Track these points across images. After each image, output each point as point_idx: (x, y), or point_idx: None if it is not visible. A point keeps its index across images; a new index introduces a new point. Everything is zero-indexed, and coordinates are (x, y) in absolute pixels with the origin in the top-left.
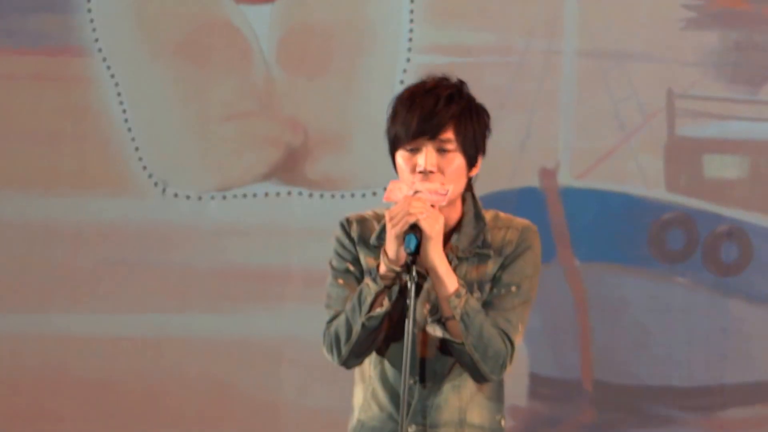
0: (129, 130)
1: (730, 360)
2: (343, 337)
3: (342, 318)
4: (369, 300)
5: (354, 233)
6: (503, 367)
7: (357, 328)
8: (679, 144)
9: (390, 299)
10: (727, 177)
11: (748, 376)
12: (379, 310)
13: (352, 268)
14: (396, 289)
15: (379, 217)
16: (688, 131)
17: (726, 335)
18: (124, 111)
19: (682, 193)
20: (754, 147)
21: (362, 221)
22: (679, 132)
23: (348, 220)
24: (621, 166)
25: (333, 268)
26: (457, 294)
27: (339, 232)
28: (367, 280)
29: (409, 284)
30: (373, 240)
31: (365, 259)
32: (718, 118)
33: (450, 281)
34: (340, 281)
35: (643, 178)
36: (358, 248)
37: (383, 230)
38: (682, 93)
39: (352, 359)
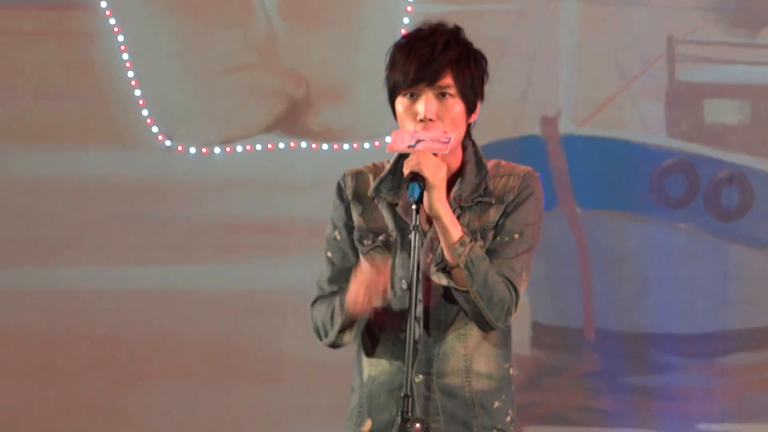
0: (133, 84)
1: (732, 306)
2: (321, 333)
3: (322, 314)
4: (337, 326)
5: (349, 190)
6: (508, 314)
7: (333, 335)
8: (679, 89)
9: (359, 328)
10: (728, 122)
11: (749, 321)
12: (347, 337)
13: (339, 237)
14: (362, 323)
15: (377, 169)
16: (689, 76)
17: (727, 281)
18: (128, 65)
19: (683, 139)
20: (754, 91)
21: (358, 175)
22: (679, 77)
23: (344, 177)
24: (622, 112)
25: (327, 239)
26: (461, 242)
27: (335, 194)
28: (337, 308)
29: (412, 234)
30: (371, 192)
31: (357, 219)
32: (718, 63)
33: (454, 229)
34: (329, 254)
35: (644, 124)
36: (352, 206)
37: (381, 182)
38: (682, 38)
39: (337, 346)
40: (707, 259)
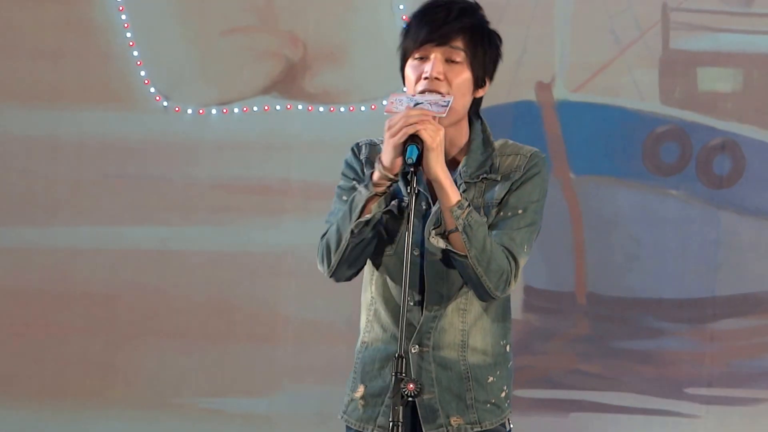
0: (131, 44)
1: (722, 272)
2: (333, 246)
3: (334, 227)
4: (360, 206)
5: (363, 155)
6: (507, 283)
7: (346, 236)
8: (673, 57)
9: (380, 207)
10: (721, 90)
11: (739, 288)
12: (367, 216)
13: (358, 186)
14: (388, 198)
15: None
16: (683, 44)
17: (718, 247)
18: (126, 25)
19: (677, 106)
20: (747, 59)
21: (371, 145)
22: (673, 45)
23: (358, 145)
24: (616, 79)
25: (339, 187)
26: (459, 205)
27: (348, 155)
28: (360, 187)
29: (410, 193)
30: None
31: None
32: (712, 31)
33: (453, 192)
34: (344, 197)
35: (638, 91)
36: (365, 168)
37: None
38: (677, 6)
39: (341, 270)
40: (698, 225)
